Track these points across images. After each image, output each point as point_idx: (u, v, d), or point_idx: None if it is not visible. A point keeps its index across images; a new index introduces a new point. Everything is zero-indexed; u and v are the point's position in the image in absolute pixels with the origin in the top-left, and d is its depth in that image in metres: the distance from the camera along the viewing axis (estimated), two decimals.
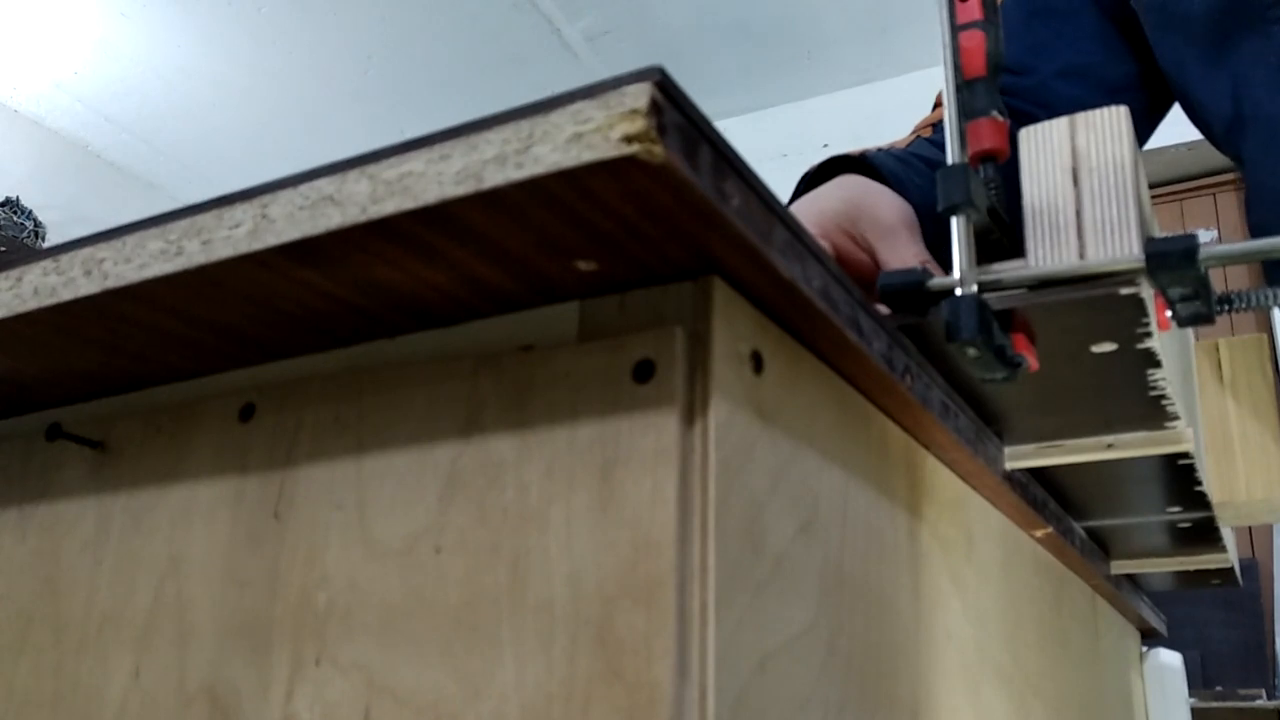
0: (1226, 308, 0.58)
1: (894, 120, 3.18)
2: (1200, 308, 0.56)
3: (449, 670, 0.38)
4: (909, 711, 0.51)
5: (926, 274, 0.57)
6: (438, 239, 0.36)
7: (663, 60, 3.16)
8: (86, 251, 0.42)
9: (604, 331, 0.40)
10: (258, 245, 0.37)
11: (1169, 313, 0.56)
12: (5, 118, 3.64)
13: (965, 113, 0.57)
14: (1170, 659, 1.27)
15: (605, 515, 0.37)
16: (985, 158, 0.57)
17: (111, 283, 0.41)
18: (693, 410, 0.37)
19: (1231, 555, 1.01)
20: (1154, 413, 0.62)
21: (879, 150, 0.93)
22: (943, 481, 0.61)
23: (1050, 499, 0.79)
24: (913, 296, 0.57)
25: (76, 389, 0.56)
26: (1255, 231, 0.94)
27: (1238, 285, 2.36)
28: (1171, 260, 0.51)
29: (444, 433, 0.42)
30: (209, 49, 3.34)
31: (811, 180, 0.92)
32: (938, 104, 1.07)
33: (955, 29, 0.57)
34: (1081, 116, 0.58)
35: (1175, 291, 0.54)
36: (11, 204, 3.34)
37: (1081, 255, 0.54)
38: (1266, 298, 0.58)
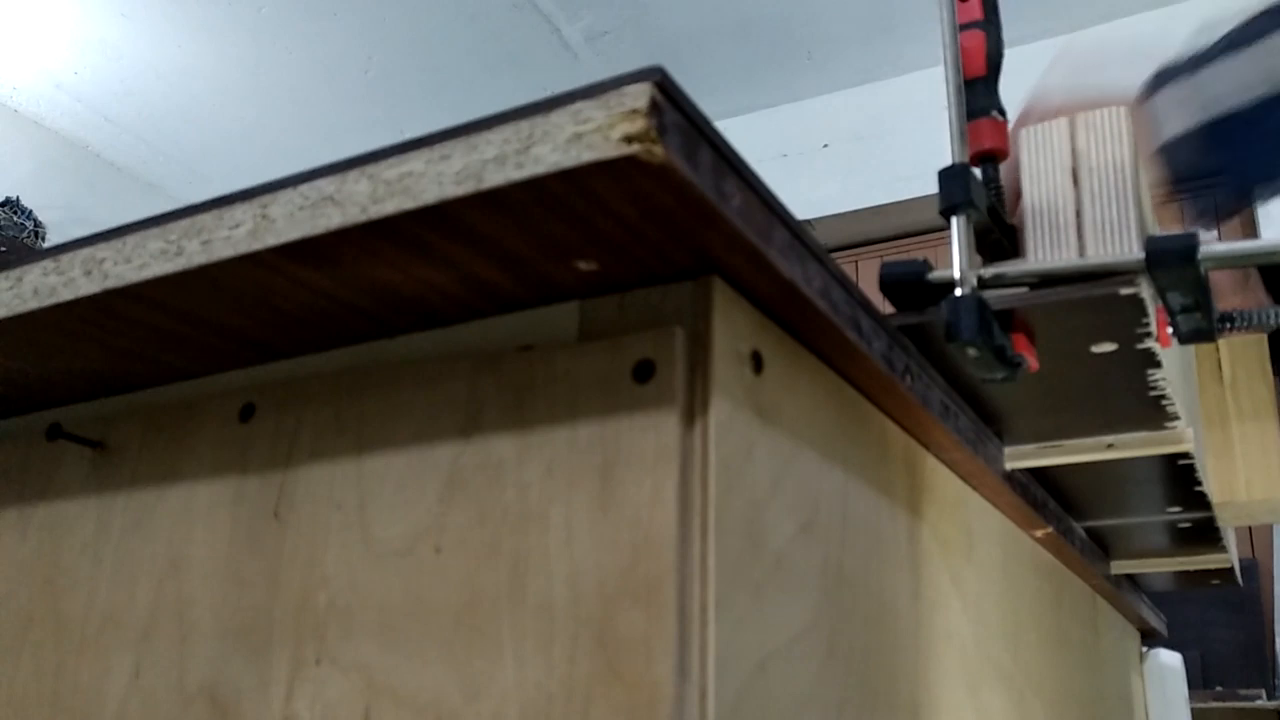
0: (1228, 325, 0.58)
1: (894, 120, 3.19)
2: (1201, 322, 0.56)
3: (449, 670, 0.38)
4: (909, 711, 0.51)
5: (926, 265, 0.57)
6: (438, 239, 0.36)
7: (663, 60, 3.15)
8: (86, 251, 0.42)
9: (604, 331, 0.40)
10: (258, 245, 0.37)
11: (1170, 329, 0.56)
12: (5, 118, 3.64)
13: (965, 113, 0.57)
14: (1170, 659, 1.27)
15: (605, 515, 0.37)
16: (985, 157, 0.57)
17: (111, 283, 0.41)
18: (693, 410, 0.37)
19: (1231, 555, 1.01)
20: (1154, 413, 0.62)
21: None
22: (943, 481, 0.61)
23: (1050, 499, 0.79)
24: (911, 289, 0.57)
25: (76, 389, 0.56)
26: None
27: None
28: (1171, 258, 0.51)
29: (444, 433, 0.42)
30: (209, 49, 3.34)
31: None
32: None
33: (955, 29, 0.57)
34: (1081, 116, 0.58)
35: (1176, 300, 0.54)
36: (11, 204, 3.34)
37: (1081, 255, 0.55)
38: (1268, 317, 0.58)
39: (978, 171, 0.56)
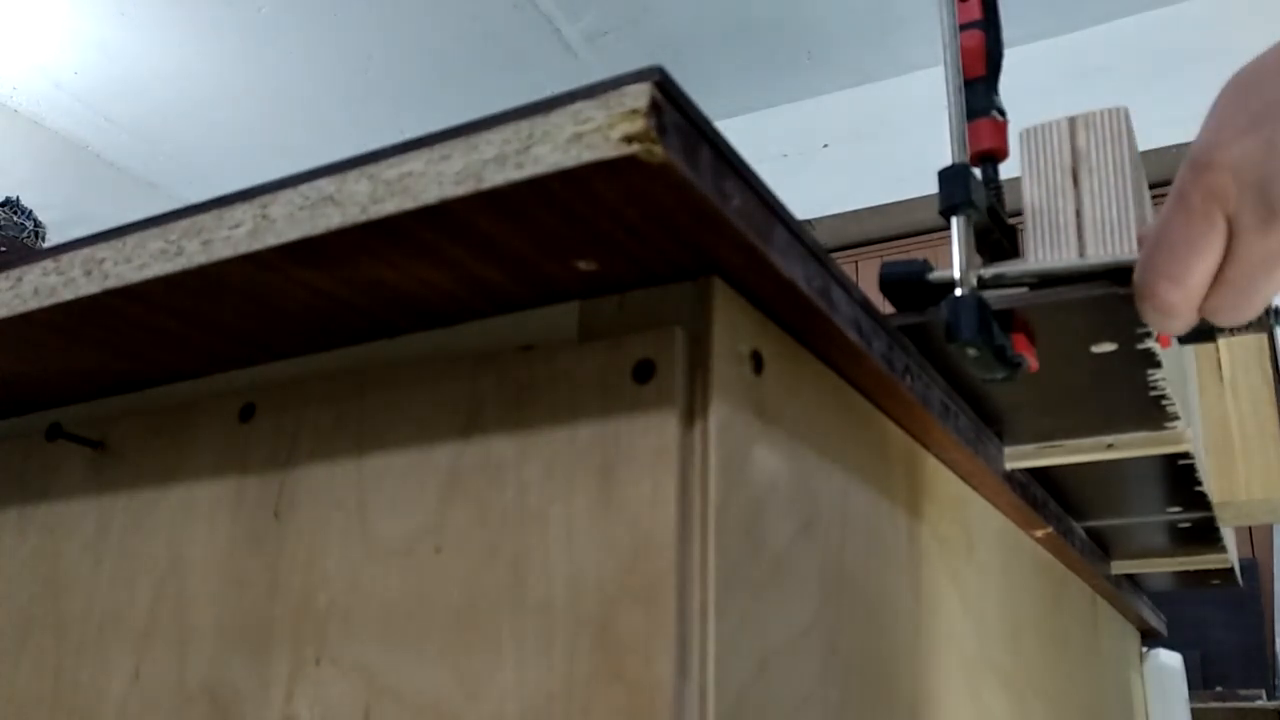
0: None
1: (894, 120, 3.19)
2: (1201, 322, 0.56)
3: (449, 670, 0.38)
4: (909, 711, 0.51)
5: (926, 265, 0.57)
6: (438, 239, 0.36)
7: (663, 60, 3.15)
8: (86, 251, 0.42)
9: (604, 331, 0.40)
10: (258, 245, 0.37)
11: None
12: (5, 118, 3.64)
13: (965, 113, 0.57)
14: (1170, 659, 1.27)
15: (605, 515, 0.37)
16: (985, 157, 0.57)
17: (111, 283, 0.41)
18: (693, 410, 0.37)
19: (1231, 555, 1.01)
20: (1154, 413, 0.62)
21: None
22: (943, 481, 0.61)
23: (1050, 499, 0.79)
24: (912, 289, 0.57)
25: (76, 389, 0.56)
26: None
27: None
28: None
29: (444, 433, 0.42)
30: (209, 49, 3.34)
31: None
32: None
33: (955, 29, 0.57)
34: (1081, 116, 0.58)
35: None
36: (11, 204, 3.33)
37: (1081, 254, 0.55)
38: (1268, 317, 0.58)
39: (978, 171, 0.56)
